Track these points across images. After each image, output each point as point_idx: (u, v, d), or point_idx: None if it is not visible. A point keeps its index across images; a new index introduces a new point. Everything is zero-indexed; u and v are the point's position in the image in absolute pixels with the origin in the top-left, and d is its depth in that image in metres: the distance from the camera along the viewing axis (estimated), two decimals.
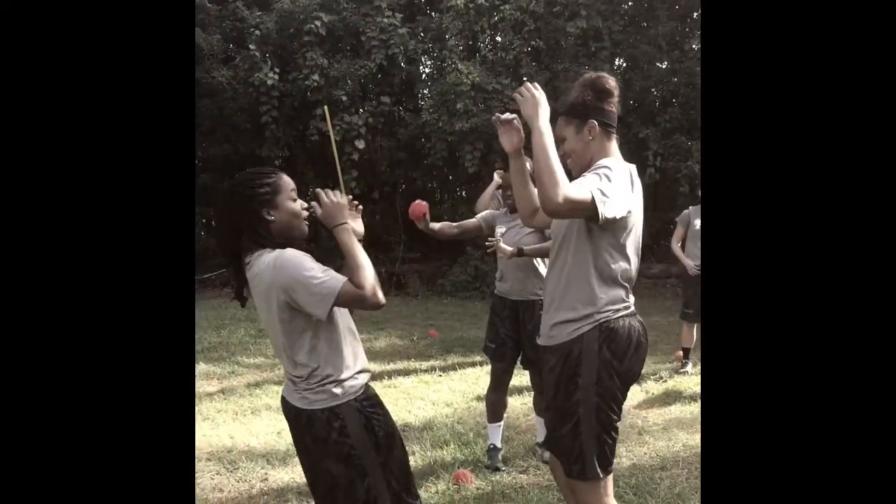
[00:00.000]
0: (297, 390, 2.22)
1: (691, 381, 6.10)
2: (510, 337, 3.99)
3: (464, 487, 3.73)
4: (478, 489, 3.73)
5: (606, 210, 2.12)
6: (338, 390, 2.19)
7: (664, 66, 12.82)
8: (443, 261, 13.98)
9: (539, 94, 2.25)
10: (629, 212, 2.21)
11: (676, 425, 4.83)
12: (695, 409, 5.25)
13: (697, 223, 6.36)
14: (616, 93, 2.35)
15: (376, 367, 6.80)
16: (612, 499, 2.36)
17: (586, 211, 2.14)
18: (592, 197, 2.11)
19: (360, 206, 2.47)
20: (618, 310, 2.28)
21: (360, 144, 12.82)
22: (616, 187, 2.15)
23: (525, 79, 12.70)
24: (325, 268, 2.15)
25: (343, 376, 2.20)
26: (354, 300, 2.12)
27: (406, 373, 6.57)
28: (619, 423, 2.33)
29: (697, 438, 4.53)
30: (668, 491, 3.65)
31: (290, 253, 2.13)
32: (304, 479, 3.91)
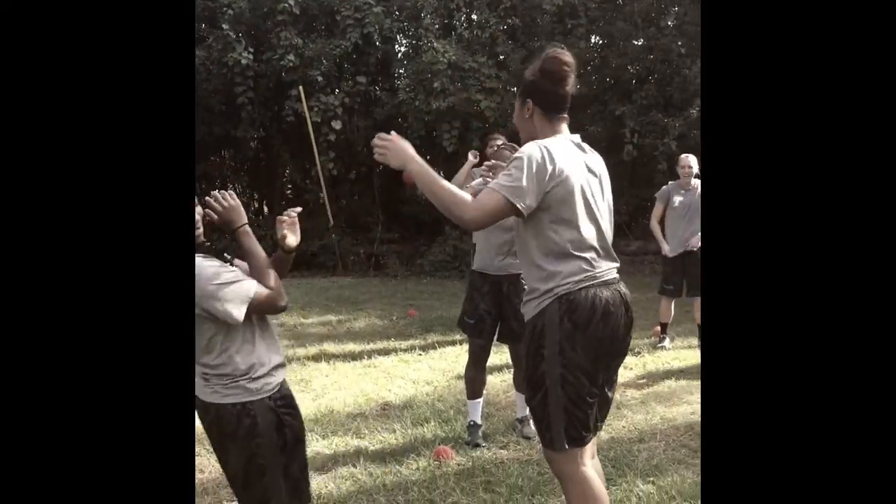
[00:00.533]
0: (209, 385, 2.17)
1: (669, 355, 6.17)
2: (489, 313, 4.00)
3: (444, 463, 3.75)
4: (458, 465, 3.76)
5: (526, 201, 2.19)
6: (252, 386, 2.17)
7: (640, 43, 12.82)
8: (421, 241, 13.99)
9: (391, 139, 2.29)
10: (554, 186, 2.21)
11: (654, 399, 4.89)
12: (672, 383, 5.31)
13: (677, 199, 6.33)
14: (564, 75, 2.34)
15: (356, 347, 6.81)
16: (587, 469, 2.35)
17: (510, 212, 2.22)
18: (507, 198, 2.18)
19: (298, 212, 2.38)
20: (579, 280, 2.26)
21: (337, 125, 12.74)
22: (527, 175, 2.18)
23: (501, 57, 12.68)
24: (232, 269, 2.13)
25: (257, 374, 2.18)
26: (267, 302, 2.14)
27: (386, 352, 6.58)
28: (593, 396, 2.30)
29: (675, 411, 4.59)
30: (646, 463, 3.70)
31: (196, 263, 2.05)
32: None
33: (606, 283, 2.31)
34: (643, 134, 12.07)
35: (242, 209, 2.23)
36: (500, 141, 6.02)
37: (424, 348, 6.73)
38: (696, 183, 6.33)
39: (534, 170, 2.19)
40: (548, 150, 2.23)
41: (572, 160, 2.29)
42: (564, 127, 2.41)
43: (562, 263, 2.26)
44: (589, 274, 2.27)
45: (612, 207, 2.47)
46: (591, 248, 2.31)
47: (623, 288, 2.39)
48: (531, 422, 3.93)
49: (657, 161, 11.82)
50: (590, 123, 12.77)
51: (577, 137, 2.42)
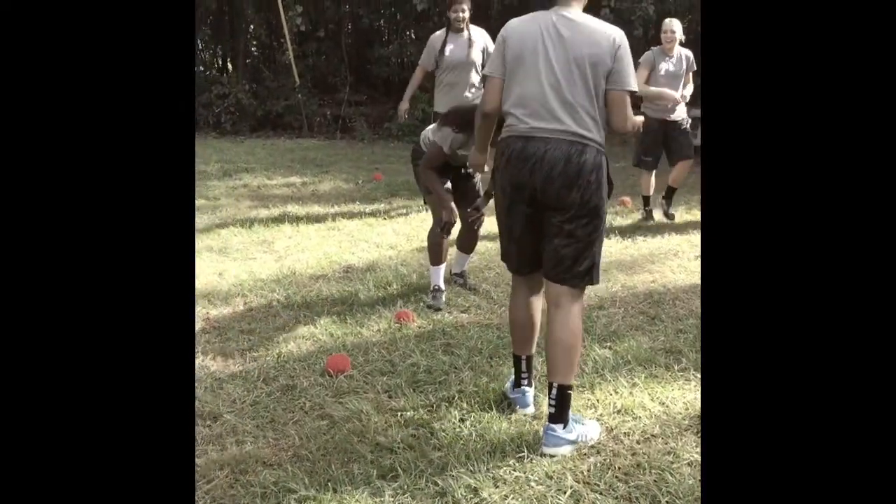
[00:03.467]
0: None
1: (632, 225, 6.20)
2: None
3: (405, 326, 3.77)
4: (419, 328, 3.78)
5: (492, 71, 2.71)
6: None
7: None
8: (390, 104, 13.64)
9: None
10: (507, 55, 2.63)
11: (616, 267, 4.92)
12: (633, 251, 5.36)
13: (663, 67, 5.98)
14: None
15: (320, 209, 6.74)
16: (515, 291, 2.90)
17: (495, 83, 2.69)
18: (487, 76, 2.74)
19: None
20: (507, 130, 2.67)
21: None
22: (494, 52, 2.73)
23: None
24: None
25: None
26: None
27: (350, 216, 6.52)
28: (509, 234, 2.74)
29: (636, 280, 4.65)
30: (605, 329, 3.76)
31: None
32: (243, 318, 3.90)
33: (526, 138, 2.59)
34: None
35: None
36: (466, 4, 5.74)
37: (389, 212, 6.69)
38: (679, 50, 6.06)
39: (496, 47, 2.73)
40: (506, 28, 2.70)
41: (529, 31, 2.62)
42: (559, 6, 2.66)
43: (508, 116, 2.68)
44: (514, 127, 2.63)
45: (579, 70, 2.57)
46: (523, 105, 2.61)
47: (550, 147, 2.54)
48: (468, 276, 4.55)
49: (634, 26, 11.49)
50: None
51: (565, 10, 2.62)
